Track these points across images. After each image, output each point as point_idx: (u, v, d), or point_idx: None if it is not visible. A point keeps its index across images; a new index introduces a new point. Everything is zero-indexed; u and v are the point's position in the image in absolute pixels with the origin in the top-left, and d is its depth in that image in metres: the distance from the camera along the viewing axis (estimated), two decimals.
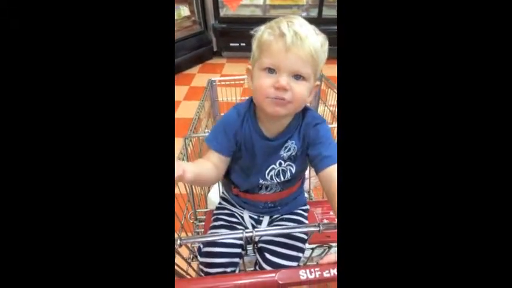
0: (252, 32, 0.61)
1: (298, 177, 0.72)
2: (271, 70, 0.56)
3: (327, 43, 0.59)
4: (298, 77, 0.56)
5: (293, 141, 0.64)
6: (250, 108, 0.66)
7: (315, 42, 0.56)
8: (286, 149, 0.65)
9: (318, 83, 0.62)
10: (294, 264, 0.67)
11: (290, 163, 0.66)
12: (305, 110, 0.66)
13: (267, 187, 0.70)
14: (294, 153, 0.65)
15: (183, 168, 0.51)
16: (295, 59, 0.55)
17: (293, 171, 0.67)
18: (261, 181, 0.68)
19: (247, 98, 0.69)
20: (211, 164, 0.64)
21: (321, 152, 0.60)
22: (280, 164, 0.66)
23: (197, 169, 0.58)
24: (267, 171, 0.66)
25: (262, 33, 0.59)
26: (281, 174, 0.67)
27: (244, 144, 0.65)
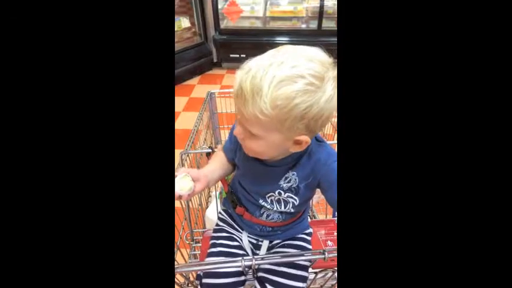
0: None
1: (301, 209, 0.68)
2: None
3: (308, 94, 0.43)
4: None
5: (294, 173, 0.58)
6: None
7: (269, 97, 0.42)
8: (287, 180, 0.59)
9: (303, 138, 0.48)
10: None
11: (291, 195, 0.60)
12: (316, 142, 0.58)
13: (268, 216, 0.65)
14: (294, 185, 0.59)
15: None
16: (242, 114, 0.47)
17: (296, 203, 0.61)
18: (261, 202, 0.63)
19: None
20: (219, 163, 0.68)
21: None
22: (279, 194, 0.61)
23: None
24: (267, 195, 0.62)
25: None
26: (282, 203, 0.62)
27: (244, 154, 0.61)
